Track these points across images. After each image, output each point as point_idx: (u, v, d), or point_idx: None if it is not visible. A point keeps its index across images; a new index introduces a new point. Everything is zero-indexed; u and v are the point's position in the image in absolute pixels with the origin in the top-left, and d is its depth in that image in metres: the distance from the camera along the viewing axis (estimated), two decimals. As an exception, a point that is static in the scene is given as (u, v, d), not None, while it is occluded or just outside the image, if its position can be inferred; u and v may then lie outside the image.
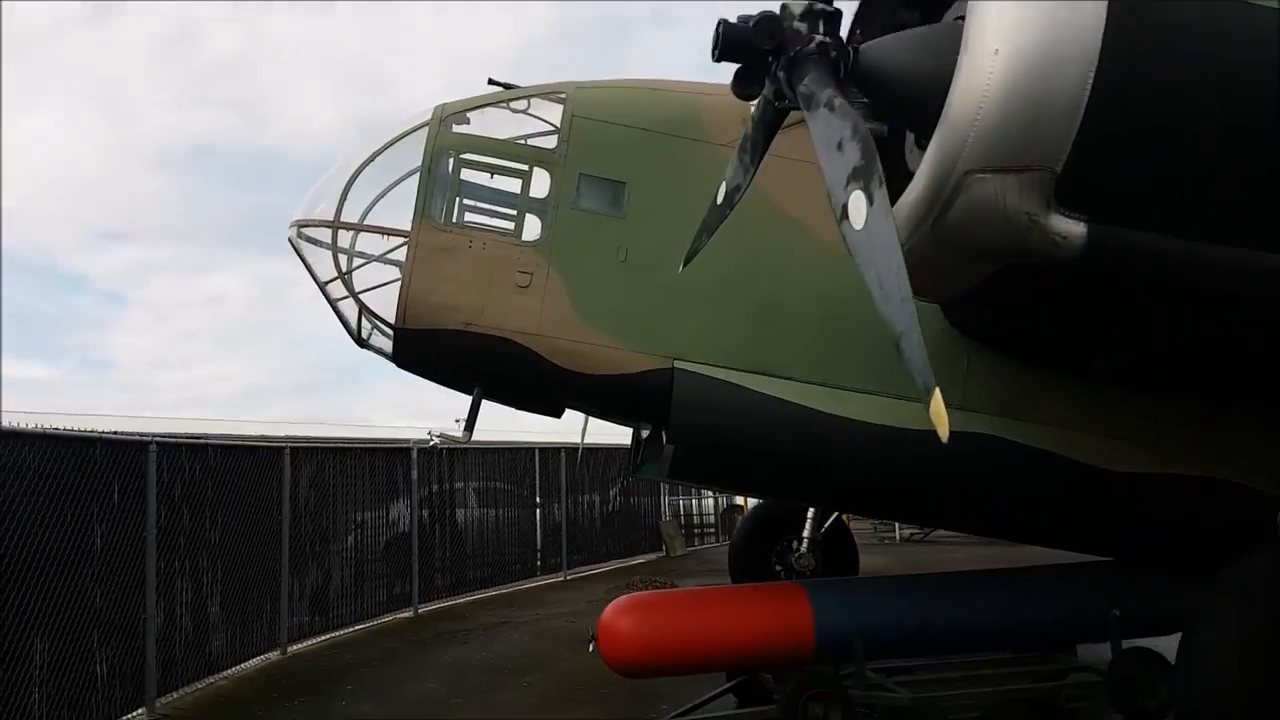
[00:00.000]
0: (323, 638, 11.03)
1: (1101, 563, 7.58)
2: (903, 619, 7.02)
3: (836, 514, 10.12)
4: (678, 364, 6.44)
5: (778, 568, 10.15)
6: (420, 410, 44.51)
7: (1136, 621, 7.08)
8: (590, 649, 6.84)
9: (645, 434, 7.15)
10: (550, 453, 16.91)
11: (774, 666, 6.99)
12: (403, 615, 12.66)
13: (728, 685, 7.43)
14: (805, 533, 9.79)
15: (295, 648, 10.45)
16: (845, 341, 6.57)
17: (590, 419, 9.53)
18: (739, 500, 22.95)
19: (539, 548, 16.45)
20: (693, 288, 6.43)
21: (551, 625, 11.86)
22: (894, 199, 4.10)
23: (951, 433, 6.61)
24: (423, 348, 6.49)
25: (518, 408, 6.98)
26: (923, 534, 21.54)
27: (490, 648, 10.53)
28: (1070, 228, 4.02)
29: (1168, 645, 7.68)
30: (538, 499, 16.60)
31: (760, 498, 8.32)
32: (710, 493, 21.95)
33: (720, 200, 5.04)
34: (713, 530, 21.84)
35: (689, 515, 21.21)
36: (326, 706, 8.18)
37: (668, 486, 20.07)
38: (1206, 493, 6.60)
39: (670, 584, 14.79)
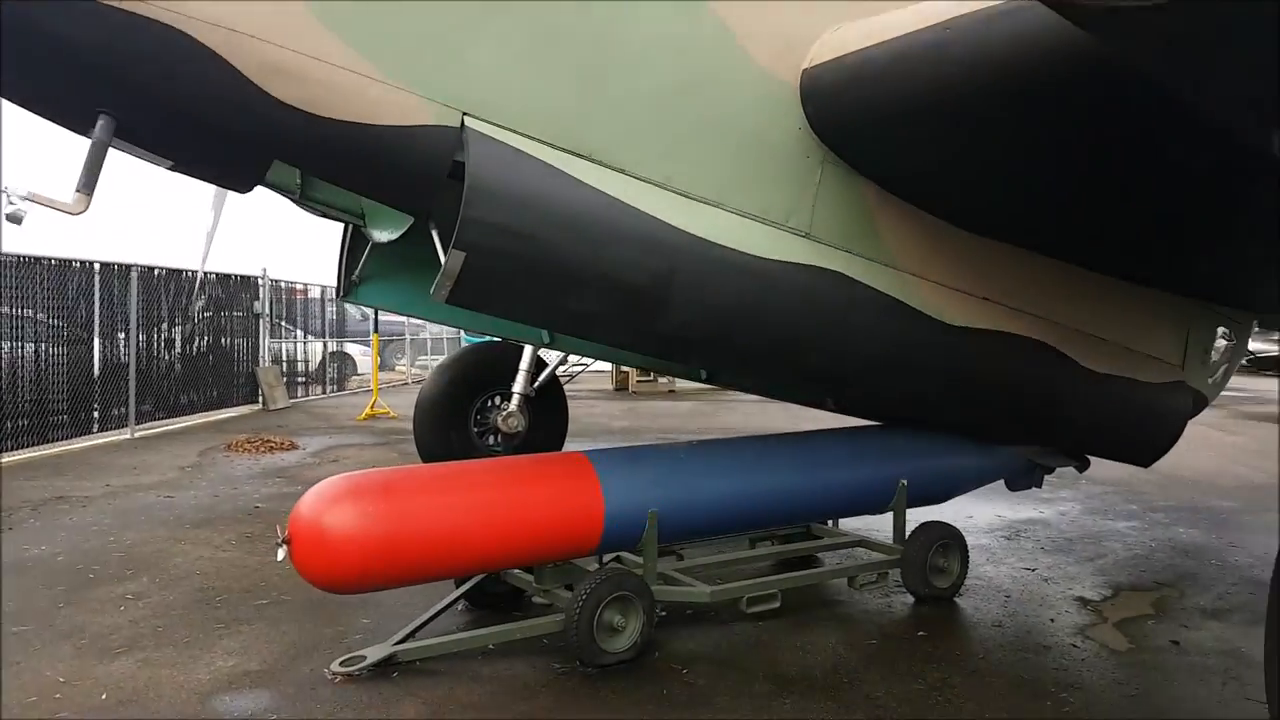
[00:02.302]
0: None
1: (878, 428, 6.76)
2: (695, 495, 5.52)
3: (556, 364, 8.36)
4: (470, 121, 4.09)
5: (476, 429, 8.19)
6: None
7: (917, 491, 6.38)
8: (280, 556, 4.44)
9: (379, 235, 4.64)
10: (116, 272, 12.92)
11: (549, 562, 5.17)
12: (-112, 490, 8.66)
13: (460, 590, 5.47)
14: (516, 387, 7.89)
15: None
16: (695, 132, 4.68)
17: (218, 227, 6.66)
18: (351, 347, 20.26)
19: (96, 396, 12.61)
20: (500, 5, 4.08)
21: (137, 502, 8.75)
22: None
23: (801, 266, 5.27)
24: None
25: (179, 166, 4.09)
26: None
27: (51, 537, 7.31)
28: None
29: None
30: (96, 333, 12.62)
31: (559, 335, 6.25)
32: (315, 335, 18.95)
33: None
34: (317, 379, 18.94)
35: (290, 361, 18.04)
36: None
37: (267, 325, 16.74)
38: (1025, 354, 5.90)
39: (288, 443, 12.13)
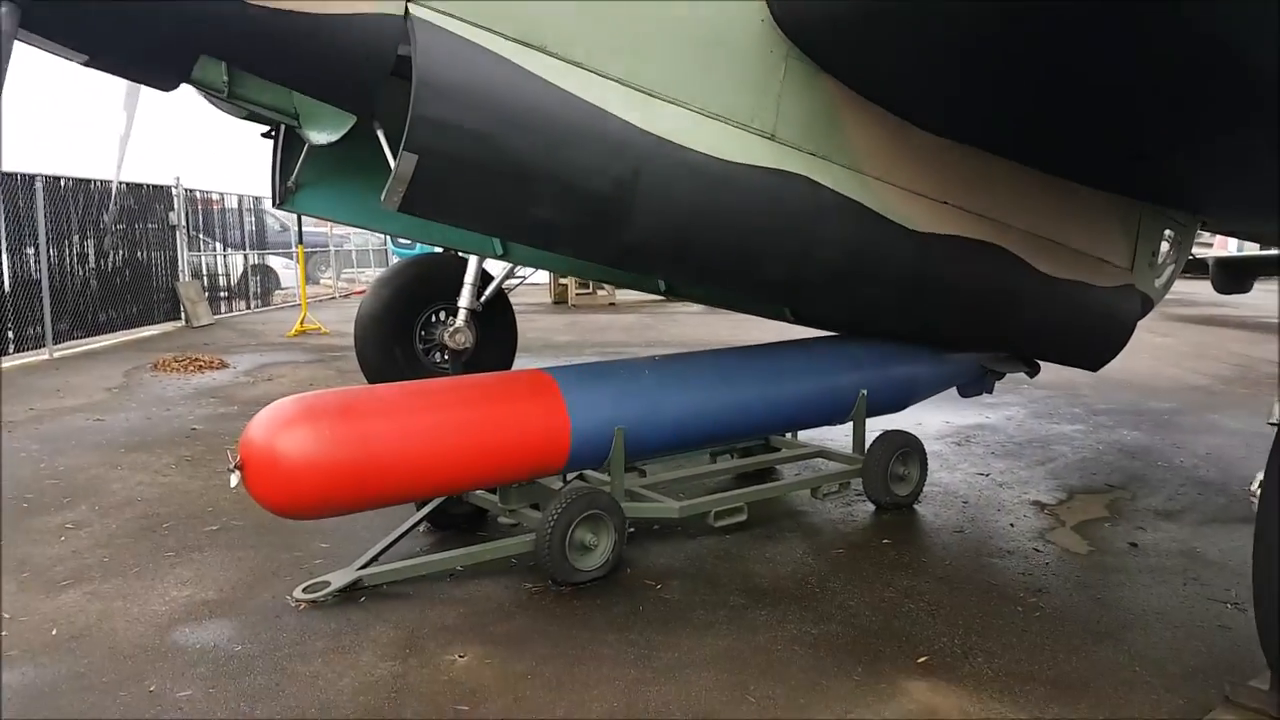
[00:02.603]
0: None
1: (836, 338, 6.70)
2: (659, 411, 5.40)
3: (503, 276, 8.07)
4: (415, 9, 3.76)
5: (421, 345, 7.92)
6: None
7: (876, 400, 6.37)
8: (234, 483, 4.20)
9: (317, 136, 4.28)
10: (20, 182, 12.09)
11: (515, 483, 5.04)
12: None
13: (423, 513, 5.31)
14: (462, 301, 7.61)
15: None
16: (654, 23, 4.39)
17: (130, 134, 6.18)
18: (273, 259, 19.52)
19: (10, 315, 11.92)
20: None
21: (65, 425, 8.33)
22: None
23: (767, 170, 5.06)
24: None
25: (95, 61, 3.67)
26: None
27: (-24, 466, 6.92)
28: None
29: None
30: (3, 248, 11.86)
31: (513, 245, 5.95)
32: (235, 248, 18.18)
33: None
34: (240, 294, 18.24)
35: (211, 275, 17.30)
36: None
37: (185, 237, 15.96)
38: (985, 259, 5.85)
39: (218, 362, 11.68)
